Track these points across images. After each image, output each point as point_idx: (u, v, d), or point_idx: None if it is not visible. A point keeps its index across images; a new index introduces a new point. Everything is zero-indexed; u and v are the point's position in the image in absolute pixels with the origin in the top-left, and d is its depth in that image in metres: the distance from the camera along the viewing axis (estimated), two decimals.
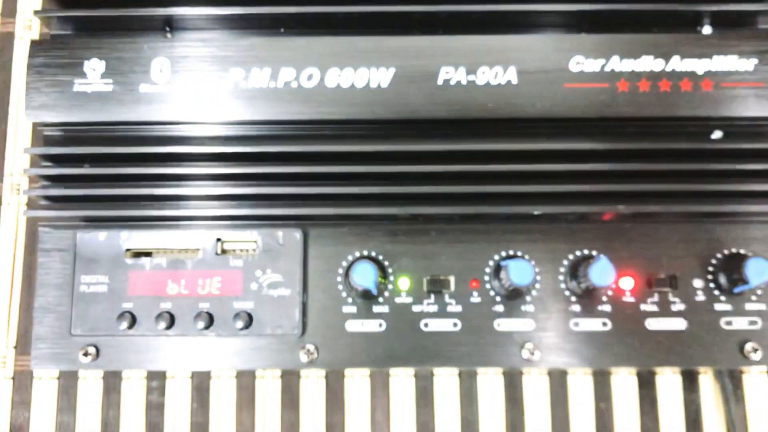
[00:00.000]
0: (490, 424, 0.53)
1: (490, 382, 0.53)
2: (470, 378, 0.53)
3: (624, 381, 0.53)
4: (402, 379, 0.53)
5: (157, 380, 0.53)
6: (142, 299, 0.45)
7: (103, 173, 0.45)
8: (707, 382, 0.53)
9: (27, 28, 0.58)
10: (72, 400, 0.53)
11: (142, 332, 0.45)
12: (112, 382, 0.53)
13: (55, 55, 0.45)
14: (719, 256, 0.46)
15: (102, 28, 0.46)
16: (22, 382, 0.53)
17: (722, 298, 0.46)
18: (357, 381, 0.53)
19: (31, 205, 0.46)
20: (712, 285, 0.46)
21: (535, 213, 0.45)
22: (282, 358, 0.45)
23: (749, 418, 0.53)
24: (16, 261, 0.54)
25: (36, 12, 0.46)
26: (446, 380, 0.53)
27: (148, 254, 0.46)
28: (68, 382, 0.53)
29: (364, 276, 0.43)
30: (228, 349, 0.45)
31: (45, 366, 0.45)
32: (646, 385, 0.53)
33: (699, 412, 0.53)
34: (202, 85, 0.45)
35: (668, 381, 0.53)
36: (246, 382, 0.53)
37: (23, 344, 0.54)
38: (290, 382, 0.53)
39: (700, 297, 0.46)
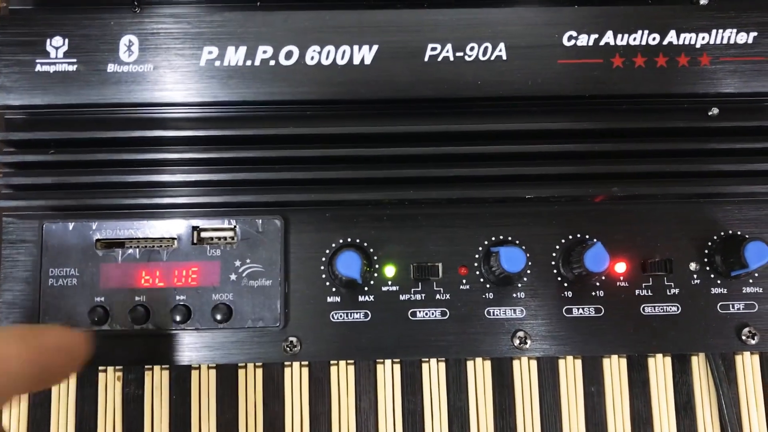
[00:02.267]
0: (480, 410, 0.51)
1: (478, 367, 0.52)
2: (458, 364, 0.51)
3: (615, 364, 0.52)
4: (388, 366, 0.51)
5: (134, 373, 0.50)
6: (115, 292, 0.43)
7: (70, 159, 0.43)
8: (699, 364, 0.52)
9: None
10: (45, 395, 0.51)
11: (116, 327, 0.42)
12: (87, 375, 0.51)
13: (15, 32, 0.42)
14: (715, 238, 0.45)
15: (65, 3, 0.43)
16: None
17: (718, 281, 0.45)
18: (342, 369, 0.51)
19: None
20: (708, 268, 0.45)
21: (527, 196, 0.43)
22: (264, 352, 0.44)
23: (741, 399, 0.52)
24: None
25: None
26: (434, 366, 0.51)
27: (120, 245, 0.44)
28: None
29: (349, 265, 0.41)
30: (207, 342, 0.43)
31: None
32: (637, 367, 0.52)
33: (691, 395, 0.52)
34: (173, 65, 0.42)
35: (660, 363, 0.52)
36: (227, 373, 0.51)
37: None
38: (273, 372, 0.51)
39: (696, 281, 0.45)
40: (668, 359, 0.52)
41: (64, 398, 0.51)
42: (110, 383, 0.51)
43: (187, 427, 0.50)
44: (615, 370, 0.52)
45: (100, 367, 0.50)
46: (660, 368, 0.52)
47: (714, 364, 0.51)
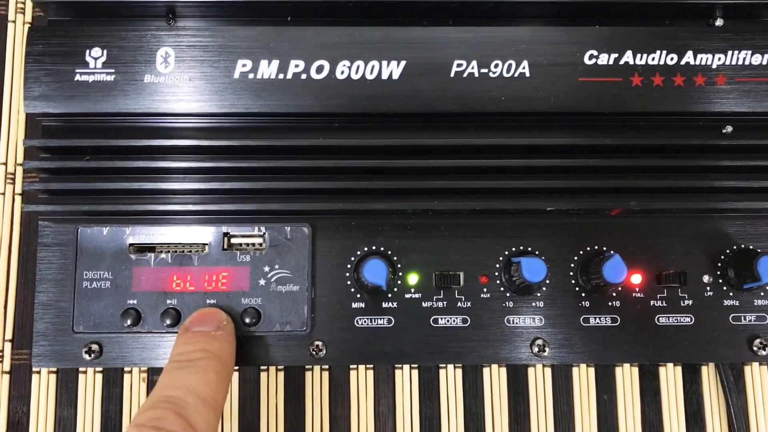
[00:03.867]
0: (495, 416, 0.53)
1: (494, 374, 0.53)
2: (475, 370, 0.53)
3: (627, 373, 0.53)
4: (407, 372, 0.53)
5: (159, 373, 0.52)
6: (147, 295, 0.44)
7: (105, 166, 0.44)
8: (709, 374, 0.53)
9: (20, 11, 0.56)
10: (72, 393, 0.52)
11: (148, 329, 0.44)
12: (113, 375, 0.52)
13: (55, 42, 0.44)
14: (729, 252, 0.46)
15: (103, 15, 0.45)
16: (20, 375, 0.52)
17: (731, 294, 0.46)
18: (361, 373, 0.53)
19: (29, 198, 0.44)
20: (721, 281, 0.46)
21: (547, 209, 0.44)
22: (290, 355, 0.45)
23: (750, 409, 0.53)
24: (12, 252, 0.53)
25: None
26: (451, 372, 0.53)
27: (152, 249, 0.45)
28: (68, 376, 0.52)
29: (376, 273, 0.42)
30: (236, 345, 0.44)
31: (47, 364, 0.45)
32: (649, 376, 0.53)
33: (701, 404, 0.53)
34: (208, 76, 0.43)
35: (670, 373, 0.53)
36: (250, 375, 0.52)
37: (20, 337, 0.52)
38: (295, 375, 0.52)
39: (709, 293, 0.46)
40: (679, 369, 0.53)
41: (90, 397, 0.52)
42: (135, 383, 0.52)
43: None
44: (627, 378, 0.53)
45: (126, 368, 0.52)
46: (671, 377, 0.53)
47: (724, 374, 0.52)
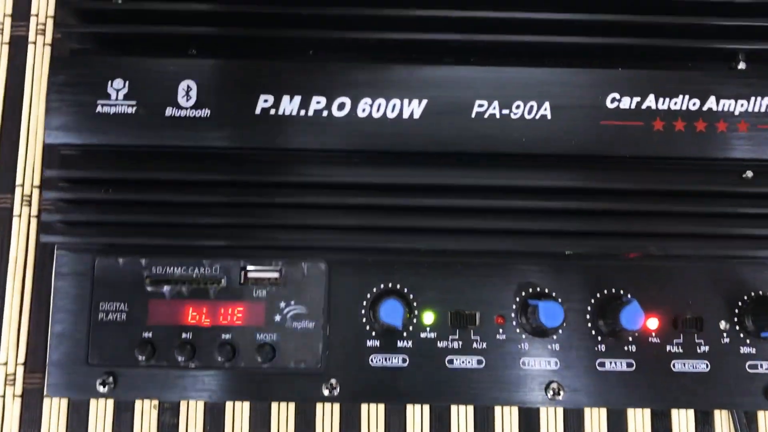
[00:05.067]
0: None
1: (506, 413, 0.53)
2: (486, 411, 0.53)
3: (639, 415, 0.53)
4: (417, 411, 0.52)
5: (171, 404, 0.52)
6: (162, 328, 0.44)
7: (124, 198, 0.44)
8: (722, 418, 0.53)
9: (40, 32, 0.56)
10: (83, 419, 0.52)
11: (162, 363, 0.44)
12: (125, 401, 0.52)
13: (77, 73, 0.44)
14: (747, 298, 0.46)
15: (126, 47, 0.45)
16: (31, 400, 0.52)
17: (748, 341, 0.46)
18: (372, 407, 0.53)
19: (46, 227, 0.44)
20: (737, 328, 0.46)
21: (566, 253, 0.44)
22: (304, 392, 0.45)
23: None
24: (27, 274, 0.53)
25: (57, 27, 0.45)
26: (462, 410, 0.53)
27: (168, 281, 0.45)
28: (79, 401, 0.52)
29: (392, 313, 0.42)
30: (249, 381, 0.45)
31: (60, 394, 0.45)
32: (661, 418, 0.53)
33: None
34: (230, 111, 0.44)
35: (683, 416, 0.53)
36: (260, 405, 0.52)
37: (32, 361, 0.53)
38: (305, 407, 0.52)
39: (726, 339, 0.46)
40: (691, 412, 0.53)
41: (101, 422, 0.52)
42: (146, 410, 0.52)
43: None
44: (639, 421, 0.53)
45: None
46: (683, 421, 0.53)
47: (737, 419, 0.52)
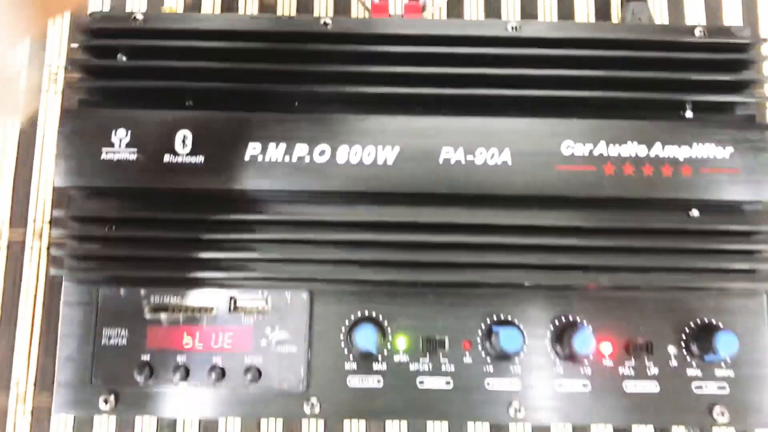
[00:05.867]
0: None
1: (478, 429, 0.57)
2: (460, 428, 0.57)
3: (602, 430, 0.57)
4: (396, 425, 0.57)
5: (169, 422, 0.56)
6: (160, 352, 0.48)
7: (125, 236, 0.48)
8: None
9: (53, 81, 0.61)
10: None
11: (159, 382, 0.48)
12: (126, 419, 0.56)
13: (84, 124, 0.49)
14: (692, 325, 0.50)
15: (129, 99, 0.50)
16: (41, 416, 0.57)
17: (694, 364, 0.49)
18: (354, 423, 0.57)
19: (55, 261, 0.49)
20: (684, 352, 0.50)
21: (526, 284, 0.49)
22: (287, 410, 0.49)
23: None
24: (37, 302, 0.58)
25: (67, 83, 0.50)
26: (438, 427, 0.57)
27: (165, 309, 0.49)
28: (83, 418, 0.57)
29: (366, 339, 0.46)
30: (238, 399, 0.48)
31: (67, 411, 0.48)
32: None
33: None
34: (221, 157, 0.48)
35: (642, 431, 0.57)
36: (250, 423, 0.57)
37: (42, 381, 0.57)
38: (291, 424, 0.57)
39: (674, 362, 0.50)
40: (651, 428, 0.57)
41: None
42: (146, 426, 0.57)
43: None
44: None
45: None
46: None
47: None
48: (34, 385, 0.57)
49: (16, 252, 0.59)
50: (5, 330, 0.57)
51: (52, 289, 0.58)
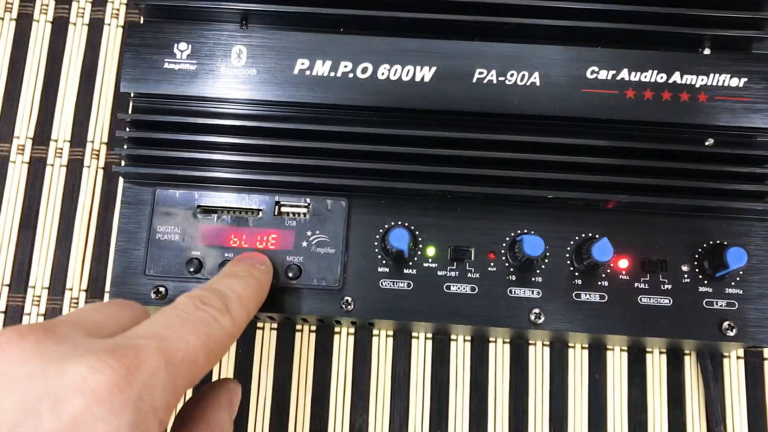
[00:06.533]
0: (498, 386, 0.60)
1: (499, 349, 0.60)
2: (482, 344, 0.60)
3: (617, 356, 0.60)
4: (421, 341, 0.60)
5: None
6: (209, 249, 0.52)
7: (182, 139, 0.53)
8: (691, 363, 0.60)
9: (114, 16, 0.66)
10: None
11: (207, 276, 0.52)
12: None
13: (149, 36, 0.53)
14: (705, 245, 0.53)
15: (190, 18, 0.54)
16: None
17: (705, 281, 0.52)
18: (382, 340, 0.60)
19: (118, 164, 0.53)
20: (697, 270, 0.53)
21: (549, 197, 0.52)
22: (324, 307, 0.52)
23: (727, 397, 0.60)
24: (92, 215, 0.62)
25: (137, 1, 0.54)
26: (461, 344, 0.60)
27: (215, 211, 0.53)
28: None
29: (400, 239, 0.50)
30: (279, 296, 0.52)
31: None
32: (636, 361, 0.60)
33: (682, 389, 0.60)
34: (272, 71, 0.52)
35: (656, 359, 0.60)
36: (286, 334, 0.60)
37: (93, 288, 0.61)
38: (324, 337, 0.60)
39: (687, 279, 0.53)
40: (664, 356, 0.60)
41: None
42: None
43: (248, 377, 0.59)
44: (617, 361, 0.60)
45: None
46: (656, 363, 0.60)
47: (704, 364, 0.59)
48: (86, 291, 0.61)
49: (74, 169, 0.63)
50: (63, 239, 0.62)
51: (107, 203, 0.62)
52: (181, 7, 0.54)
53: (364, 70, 0.52)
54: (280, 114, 0.53)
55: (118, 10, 0.66)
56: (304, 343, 0.60)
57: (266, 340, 0.60)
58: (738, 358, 0.60)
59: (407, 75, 0.52)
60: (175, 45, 0.53)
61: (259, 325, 0.60)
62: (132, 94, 0.54)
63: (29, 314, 0.61)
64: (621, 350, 0.60)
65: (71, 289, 0.61)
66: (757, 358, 0.60)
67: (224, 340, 0.41)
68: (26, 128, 0.64)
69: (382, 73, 0.52)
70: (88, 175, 0.63)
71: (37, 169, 0.63)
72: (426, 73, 0.52)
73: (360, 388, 0.60)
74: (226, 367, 0.60)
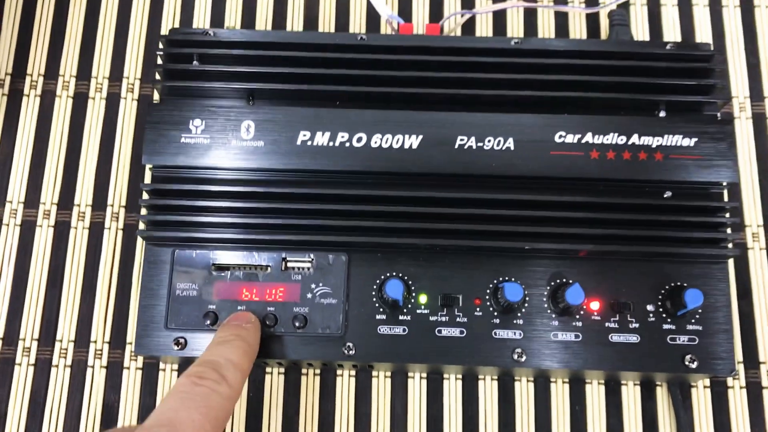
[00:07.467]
0: (488, 420, 0.65)
1: (488, 386, 0.66)
2: (472, 382, 0.66)
3: (595, 389, 0.66)
4: (417, 381, 0.66)
5: None
6: (223, 302, 0.58)
7: (197, 205, 0.59)
8: (663, 393, 0.66)
9: (129, 90, 0.73)
10: (153, 386, 0.65)
11: None
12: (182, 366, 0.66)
13: (168, 114, 0.60)
14: (667, 287, 0.59)
15: (203, 96, 0.61)
16: (114, 370, 0.66)
17: (668, 319, 0.58)
18: (381, 381, 0.66)
19: (140, 229, 0.60)
20: (661, 310, 0.59)
21: (525, 248, 0.58)
22: (328, 352, 0.58)
23: (696, 423, 0.65)
24: (113, 273, 0.68)
25: (154, 82, 0.61)
26: (452, 383, 0.66)
27: (228, 268, 0.60)
28: (150, 372, 0.66)
29: (395, 289, 0.56)
30: (287, 343, 0.58)
31: (145, 353, 0.58)
32: (613, 392, 0.65)
33: (655, 417, 0.65)
34: (278, 142, 0.59)
35: (630, 390, 0.66)
36: (293, 377, 0.66)
37: (116, 340, 0.67)
38: (328, 379, 0.66)
39: (652, 318, 0.58)
40: (638, 388, 0.66)
41: (167, 388, 0.66)
42: None
43: (259, 418, 0.65)
44: (596, 394, 0.65)
45: None
46: (631, 394, 0.65)
47: (674, 394, 0.64)
48: (109, 343, 0.67)
49: (96, 231, 0.69)
50: (87, 296, 0.67)
51: (127, 261, 0.68)
52: (194, 87, 0.61)
53: (359, 140, 0.59)
54: (285, 180, 0.59)
55: (132, 84, 0.73)
56: (310, 385, 0.66)
57: (275, 383, 0.66)
58: (705, 387, 0.66)
59: (397, 143, 0.59)
60: (191, 121, 0.60)
61: (268, 370, 0.66)
62: (151, 165, 0.60)
63: (57, 366, 0.66)
64: (599, 383, 0.66)
65: (95, 342, 0.67)
66: (721, 387, 0.66)
67: (225, 406, 0.47)
68: (51, 195, 0.70)
69: (375, 142, 0.59)
70: (109, 236, 0.69)
71: (61, 232, 0.69)
72: (414, 141, 0.59)
73: (361, 426, 0.65)
74: (239, 409, 0.65)
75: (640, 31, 0.76)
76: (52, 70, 0.74)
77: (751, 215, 0.70)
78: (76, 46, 0.74)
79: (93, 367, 0.66)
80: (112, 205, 0.70)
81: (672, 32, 0.76)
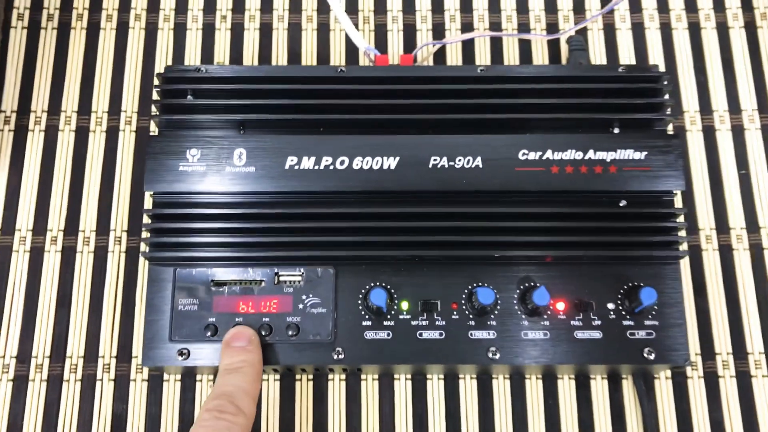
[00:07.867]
0: (469, 415, 0.70)
1: (468, 384, 0.71)
2: (453, 381, 0.71)
3: (566, 384, 0.71)
4: (402, 382, 0.71)
5: None
6: (222, 315, 0.64)
7: (196, 227, 0.64)
8: (628, 385, 0.71)
9: (128, 122, 0.79)
10: (158, 396, 0.70)
11: (222, 339, 0.63)
12: (188, 382, 0.71)
13: (166, 145, 0.65)
14: (625, 287, 0.65)
15: (198, 128, 0.67)
16: (121, 383, 0.71)
17: (628, 316, 0.63)
18: (370, 383, 0.71)
19: (143, 250, 0.65)
20: (620, 307, 0.64)
21: (496, 255, 0.64)
22: (319, 357, 0.63)
23: (659, 413, 0.71)
24: (118, 292, 0.74)
25: (153, 116, 0.67)
26: (435, 383, 0.71)
27: (225, 284, 0.65)
28: (155, 383, 0.71)
29: (379, 297, 0.61)
30: (281, 350, 0.63)
31: (151, 364, 0.63)
32: (583, 386, 0.70)
33: (622, 408, 0.69)
34: (268, 167, 0.64)
35: (599, 384, 0.71)
36: (287, 383, 0.71)
37: (122, 355, 0.72)
38: (320, 384, 0.71)
39: (612, 316, 0.63)
40: (605, 381, 0.71)
41: (171, 398, 0.70)
42: (204, 389, 0.71)
43: (258, 422, 0.69)
44: (567, 388, 0.70)
45: (197, 378, 0.71)
46: (600, 387, 0.70)
47: (638, 385, 0.70)
48: (116, 357, 0.72)
49: (100, 255, 0.74)
50: (93, 315, 0.72)
51: (129, 282, 0.73)
52: (189, 119, 0.67)
53: (342, 163, 0.65)
54: (276, 201, 0.65)
55: (130, 117, 0.79)
56: (303, 390, 0.71)
57: (271, 389, 0.71)
58: (666, 378, 0.71)
59: (377, 164, 0.65)
60: (188, 151, 0.65)
61: (264, 376, 0.71)
62: (152, 192, 0.66)
63: (68, 380, 0.71)
64: (569, 378, 0.71)
65: (103, 357, 0.71)
66: (681, 377, 0.71)
67: None
68: (57, 222, 0.75)
69: (357, 164, 0.65)
70: (113, 258, 0.74)
71: (68, 256, 0.74)
72: (392, 162, 0.65)
73: (353, 426, 0.70)
74: None
75: (597, 54, 0.82)
76: (54, 107, 0.78)
77: (704, 219, 0.76)
78: (76, 83, 0.79)
79: (102, 380, 0.69)
80: (115, 230, 0.75)
81: (627, 54, 0.82)
